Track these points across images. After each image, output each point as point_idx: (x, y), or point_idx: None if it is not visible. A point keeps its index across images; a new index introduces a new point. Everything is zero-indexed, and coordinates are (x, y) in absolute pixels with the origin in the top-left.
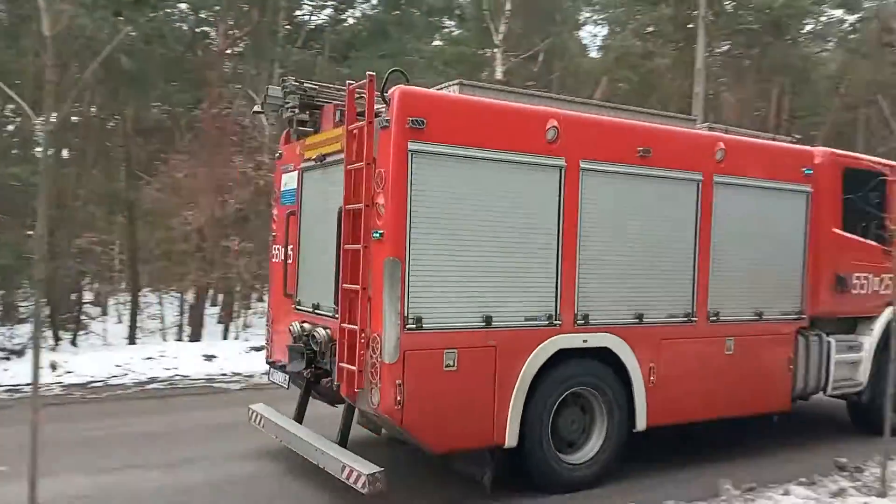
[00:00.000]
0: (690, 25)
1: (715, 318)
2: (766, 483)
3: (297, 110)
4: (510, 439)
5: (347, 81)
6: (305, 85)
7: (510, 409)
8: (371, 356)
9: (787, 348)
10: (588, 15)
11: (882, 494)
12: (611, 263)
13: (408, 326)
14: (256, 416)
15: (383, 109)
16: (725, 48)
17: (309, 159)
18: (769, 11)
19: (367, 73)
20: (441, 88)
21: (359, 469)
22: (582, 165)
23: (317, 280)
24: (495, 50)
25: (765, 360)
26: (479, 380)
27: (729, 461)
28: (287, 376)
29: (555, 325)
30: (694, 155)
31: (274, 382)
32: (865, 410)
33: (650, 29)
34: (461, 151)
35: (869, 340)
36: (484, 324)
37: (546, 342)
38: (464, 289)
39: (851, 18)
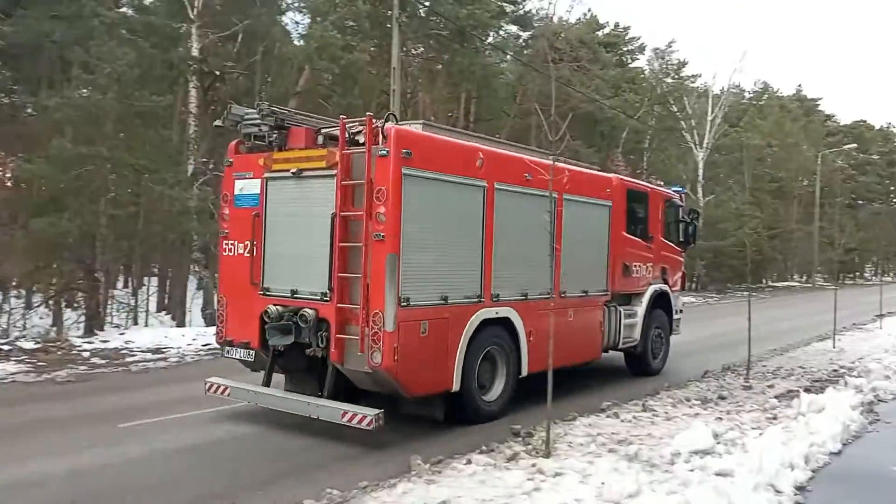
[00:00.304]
0: (388, 25)
1: (563, 295)
2: (452, 455)
3: (265, 128)
4: (456, 385)
5: (341, 115)
6: (275, 109)
7: (456, 363)
8: (372, 327)
9: (599, 316)
10: (290, 0)
11: (547, 455)
12: (510, 257)
13: (402, 304)
14: (217, 387)
15: (380, 141)
16: (421, 50)
17: (280, 171)
18: (456, 20)
19: (367, 113)
20: (404, 125)
21: (363, 412)
22: (496, 186)
23: (293, 270)
24: (191, 25)
25: (590, 324)
26: (439, 342)
27: (424, 438)
28: (252, 351)
29: (481, 302)
30: (590, 185)
31: (234, 358)
32: (639, 358)
33: (350, 23)
34: (432, 175)
35: (640, 309)
36: (442, 301)
37: (476, 314)
38: (432, 276)
39: (525, 35)
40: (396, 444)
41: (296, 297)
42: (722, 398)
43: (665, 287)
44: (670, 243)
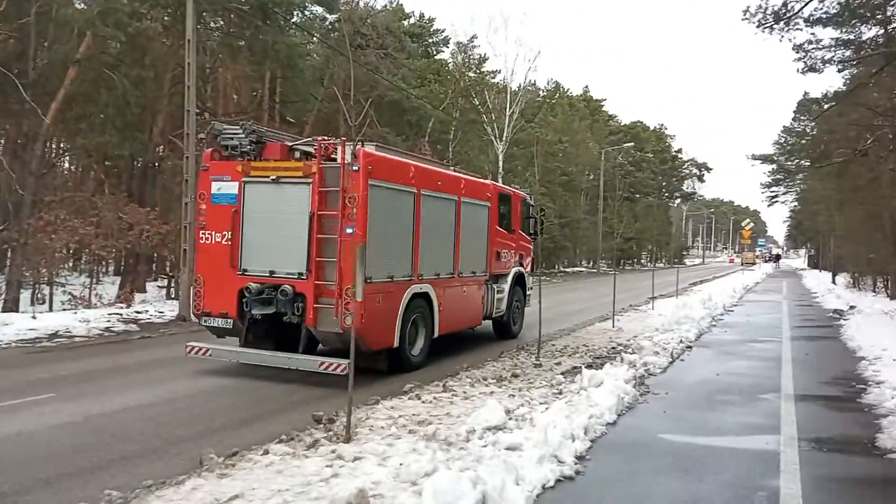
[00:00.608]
0: None
1: (461, 275)
2: (249, 446)
3: (245, 142)
4: (396, 342)
5: (319, 138)
6: (255, 127)
7: (397, 325)
8: (345, 298)
9: (482, 291)
10: None
11: (348, 440)
12: (430, 246)
13: (367, 280)
14: (197, 349)
15: (347, 160)
16: (221, 24)
17: (258, 177)
18: None
19: (341, 137)
20: (363, 145)
21: (337, 361)
22: (422, 192)
23: (270, 255)
24: None
25: (476, 297)
26: (388, 310)
27: (220, 432)
28: (230, 320)
29: (412, 280)
30: (454, 186)
31: (213, 326)
32: (504, 325)
33: None
34: (384, 185)
35: (507, 287)
36: (390, 279)
37: (409, 288)
38: (384, 260)
39: (331, 17)
40: (189, 440)
41: (273, 276)
42: (515, 376)
43: (522, 269)
44: (525, 235)
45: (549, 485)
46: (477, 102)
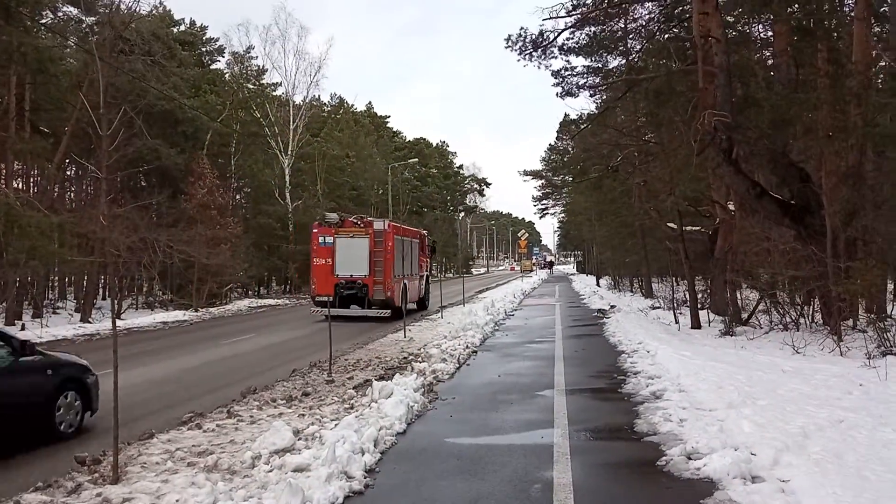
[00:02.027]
0: None
1: (412, 275)
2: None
3: (335, 221)
4: (399, 303)
5: (368, 217)
6: (342, 214)
7: (400, 297)
8: (386, 284)
9: (420, 284)
10: None
11: (116, 481)
12: (402, 261)
13: (394, 277)
14: (317, 312)
15: (384, 227)
16: None
17: (343, 235)
18: None
19: (386, 220)
20: (384, 221)
21: (385, 313)
22: (397, 238)
23: (350, 268)
24: None
25: (418, 286)
26: (401, 290)
27: None
28: (330, 297)
29: (404, 277)
30: (412, 234)
31: (321, 301)
32: (422, 302)
33: None
34: (397, 237)
35: (424, 282)
36: (400, 277)
37: (403, 281)
38: (399, 269)
39: (89, 20)
40: None
41: (352, 276)
42: (306, 395)
43: (425, 273)
44: (426, 255)
45: (338, 502)
46: (258, 115)
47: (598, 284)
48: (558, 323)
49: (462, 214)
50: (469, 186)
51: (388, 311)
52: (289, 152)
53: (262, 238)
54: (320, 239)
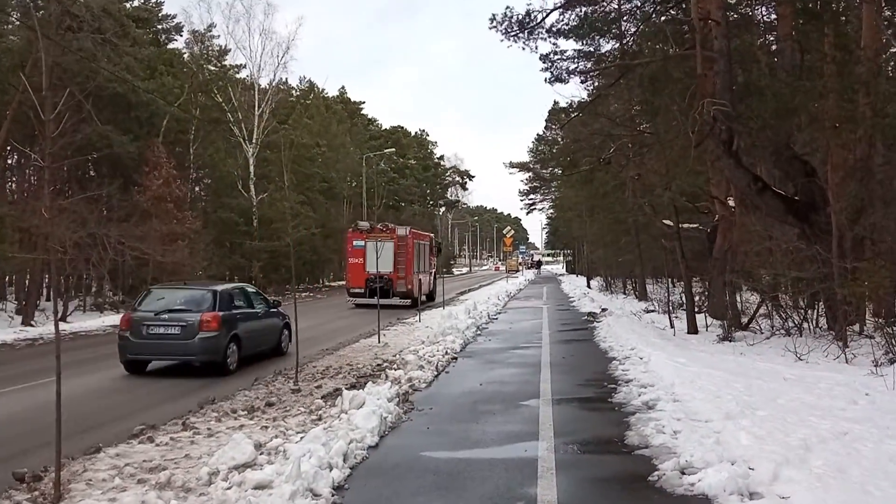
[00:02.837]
0: None
1: (424, 271)
2: None
3: (366, 227)
4: (418, 294)
5: (392, 224)
6: (372, 223)
7: (421, 289)
8: (408, 278)
9: (430, 279)
10: None
11: (58, 500)
12: (418, 259)
13: (413, 273)
14: (353, 304)
15: (406, 233)
16: None
17: (373, 238)
18: None
19: (408, 227)
20: (407, 228)
21: (407, 301)
22: (415, 242)
23: (378, 266)
24: None
25: (430, 280)
26: (421, 284)
27: None
28: (362, 290)
29: (423, 272)
30: (425, 237)
31: (356, 296)
32: (431, 294)
33: None
34: (416, 241)
35: (432, 276)
36: (419, 272)
37: (422, 274)
38: (419, 266)
39: None
40: None
41: (380, 272)
42: (270, 405)
43: (434, 270)
44: (434, 255)
45: None
46: (220, 99)
47: (588, 286)
48: (545, 327)
49: (443, 209)
50: (450, 179)
51: (409, 300)
52: (253, 140)
53: (223, 234)
54: (354, 242)
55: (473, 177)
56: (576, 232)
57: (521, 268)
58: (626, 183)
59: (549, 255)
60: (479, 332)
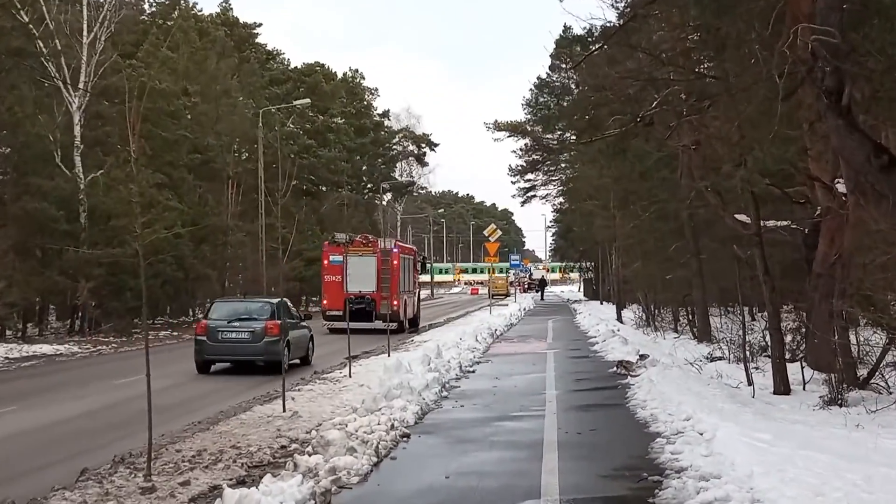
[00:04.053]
0: None
1: (409, 292)
2: None
3: (344, 240)
4: (404, 317)
5: (376, 237)
6: (351, 235)
7: (406, 310)
8: (393, 299)
9: (416, 299)
10: None
11: None
12: (405, 277)
13: (399, 292)
14: (328, 328)
15: (391, 246)
16: None
17: (353, 252)
18: None
19: (392, 239)
20: (394, 239)
21: (393, 326)
22: (402, 256)
23: (360, 283)
24: None
25: (416, 301)
26: (407, 305)
27: None
28: (340, 312)
29: (408, 292)
30: (411, 252)
31: (332, 319)
32: (413, 320)
33: None
34: (403, 255)
35: (418, 298)
36: (404, 293)
37: (406, 296)
38: (404, 285)
39: None
40: None
41: (361, 292)
42: None
43: (418, 290)
44: (418, 273)
45: None
46: (25, 18)
47: (619, 318)
48: (551, 384)
49: (388, 196)
50: (400, 148)
51: (395, 323)
52: (80, 85)
53: (29, 236)
54: (331, 257)
55: (437, 145)
56: (599, 234)
57: (511, 289)
58: (676, 156)
59: (557, 268)
60: (445, 392)
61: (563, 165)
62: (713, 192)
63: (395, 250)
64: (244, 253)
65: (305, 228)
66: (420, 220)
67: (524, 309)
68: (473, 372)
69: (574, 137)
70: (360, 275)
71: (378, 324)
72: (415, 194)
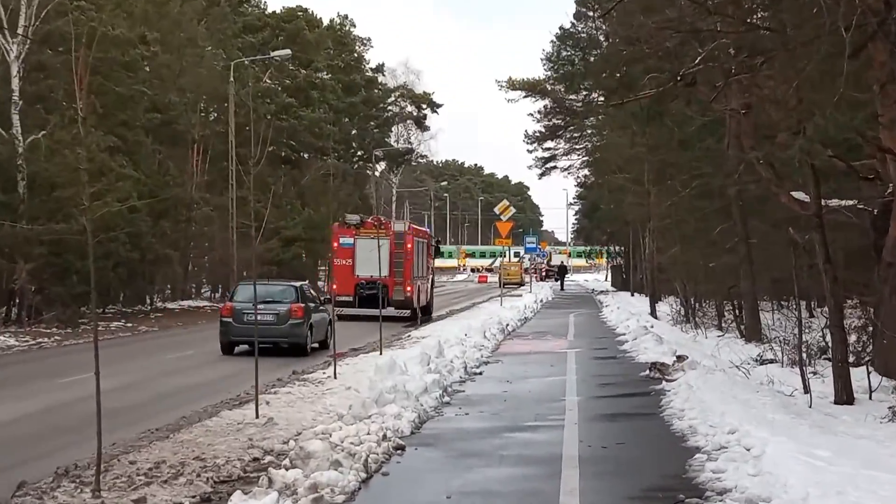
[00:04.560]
0: None
1: (422, 277)
2: None
3: (358, 220)
4: (418, 304)
5: (388, 217)
6: (362, 216)
7: (420, 297)
8: (406, 284)
9: (429, 284)
10: None
11: None
12: (419, 261)
13: (412, 278)
14: (338, 314)
15: (405, 229)
16: None
17: (364, 235)
18: None
19: (406, 221)
20: (405, 220)
21: (405, 313)
22: (415, 239)
23: (370, 268)
24: None
25: (430, 287)
26: (420, 291)
27: None
28: (350, 297)
29: (423, 277)
30: (425, 235)
31: (342, 305)
32: (427, 308)
33: None
34: (416, 238)
35: (430, 283)
36: (418, 277)
37: (420, 281)
38: (417, 269)
39: None
40: None
41: (372, 277)
42: None
43: (432, 276)
44: (432, 258)
45: None
46: None
47: (653, 312)
48: (572, 389)
49: (382, 166)
50: (396, 109)
51: (408, 311)
52: (19, 30)
53: None
54: (341, 240)
55: (440, 106)
56: (630, 213)
57: (526, 277)
58: (723, 122)
59: (580, 254)
60: (446, 397)
61: (588, 132)
62: (766, 165)
63: (408, 233)
64: (211, 231)
65: (284, 203)
66: (419, 195)
67: (541, 300)
68: (481, 374)
69: (602, 99)
70: (372, 259)
71: (390, 311)
72: (413, 164)
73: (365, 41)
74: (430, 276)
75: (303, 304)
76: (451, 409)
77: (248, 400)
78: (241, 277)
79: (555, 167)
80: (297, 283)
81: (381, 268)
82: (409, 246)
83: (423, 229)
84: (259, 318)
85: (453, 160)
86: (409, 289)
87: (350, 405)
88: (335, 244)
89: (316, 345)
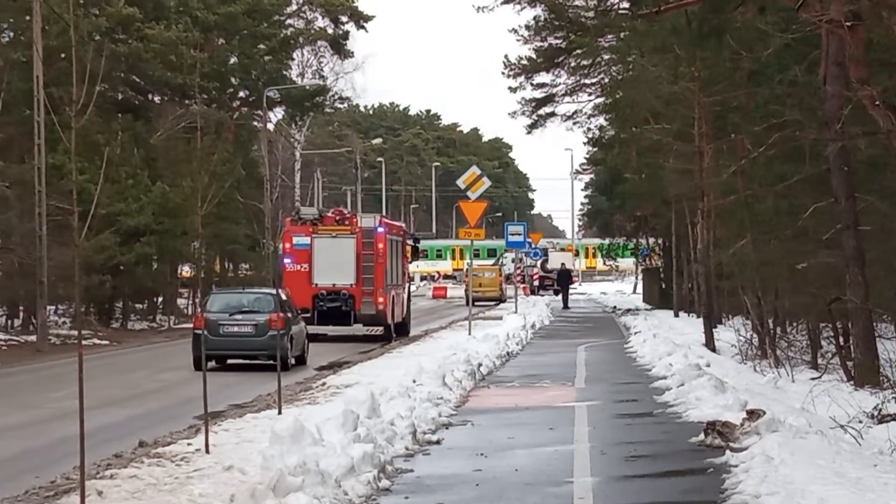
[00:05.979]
0: None
1: (397, 285)
2: None
3: (315, 215)
4: (394, 320)
5: (354, 211)
6: (320, 209)
7: (395, 310)
8: (377, 295)
9: (404, 293)
10: None
11: None
12: (393, 264)
13: (385, 286)
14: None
15: (375, 224)
16: None
17: (322, 233)
18: None
19: (376, 215)
20: (378, 214)
21: (377, 329)
22: (388, 237)
23: (332, 275)
24: None
25: (404, 299)
26: (394, 302)
27: None
28: (307, 311)
29: (396, 284)
30: (399, 231)
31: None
32: (403, 325)
33: None
34: (389, 236)
35: (406, 294)
36: (392, 285)
37: (395, 289)
38: (390, 275)
39: None
40: None
41: (334, 286)
42: None
43: (409, 284)
44: (407, 260)
45: None
46: None
47: (709, 343)
48: (583, 466)
49: (278, 113)
50: (301, 25)
51: (380, 327)
52: None
53: None
54: (294, 240)
55: (370, 19)
56: (673, 186)
57: (509, 287)
58: (817, 41)
59: (594, 252)
60: (385, 480)
61: (605, 58)
62: (884, 109)
63: (380, 230)
64: (5, 218)
65: (123, 175)
66: (339, 160)
67: (533, 325)
68: (438, 443)
69: (628, 4)
70: (334, 262)
71: (358, 328)
72: (329, 111)
73: None
74: (407, 284)
75: (283, 314)
76: (392, 501)
77: (70, 488)
78: (55, 293)
79: (552, 114)
80: (273, 290)
81: (346, 274)
82: (381, 246)
83: (398, 224)
84: (236, 329)
85: (391, 105)
86: (381, 300)
87: (231, 496)
88: (287, 245)
89: (293, 360)
